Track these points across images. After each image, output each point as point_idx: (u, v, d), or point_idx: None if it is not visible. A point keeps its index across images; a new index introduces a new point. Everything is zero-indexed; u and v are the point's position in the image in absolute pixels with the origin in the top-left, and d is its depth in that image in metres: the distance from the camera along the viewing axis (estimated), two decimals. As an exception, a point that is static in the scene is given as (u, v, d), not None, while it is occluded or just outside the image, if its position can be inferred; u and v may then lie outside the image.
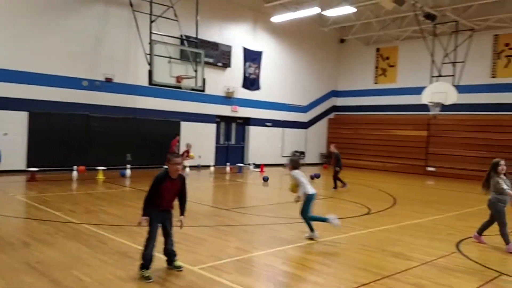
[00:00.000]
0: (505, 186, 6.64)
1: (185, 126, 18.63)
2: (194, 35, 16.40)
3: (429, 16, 18.62)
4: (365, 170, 22.34)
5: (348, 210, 10.12)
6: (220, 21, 19.97)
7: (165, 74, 14.75)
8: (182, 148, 16.42)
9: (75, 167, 13.66)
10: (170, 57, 15.04)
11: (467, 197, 13.65)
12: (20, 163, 14.31)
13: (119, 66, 16.59)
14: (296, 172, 7.10)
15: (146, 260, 4.87)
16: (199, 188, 13.72)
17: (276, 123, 22.99)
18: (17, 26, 14.15)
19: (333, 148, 14.51)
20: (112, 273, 4.96)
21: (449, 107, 18.71)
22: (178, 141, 16.61)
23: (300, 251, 6.42)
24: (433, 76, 19.69)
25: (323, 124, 26.08)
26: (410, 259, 6.13)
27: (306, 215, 6.99)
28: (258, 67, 21.80)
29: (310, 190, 7.01)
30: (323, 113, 26.01)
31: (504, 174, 6.79)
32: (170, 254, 5.19)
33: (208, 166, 18.76)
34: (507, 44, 19.92)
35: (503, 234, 6.79)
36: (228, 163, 19.55)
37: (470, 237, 7.57)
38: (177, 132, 17.78)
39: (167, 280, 4.85)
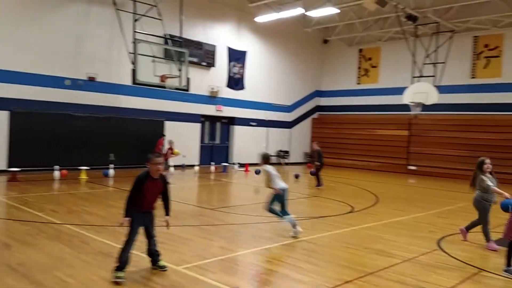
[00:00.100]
0: (490, 183, 6.73)
1: (169, 125, 18.53)
2: (178, 34, 16.34)
3: (411, 18, 18.91)
4: (348, 169, 22.56)
5: (332, 209, 10.22)
6: (204, 21, 19.92)
7: (149, 73, 14.65)
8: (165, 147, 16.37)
9: (56, 167, 13.48)
10: (154, 56, 14.94)
11: (447, 195, 13.90)
12: (1, 163, 14.04)
13: (102, 65, 16.42)
14: (267, 167, 7.26)
15: (122, 262, 4.76)
16: (184, 188, 13.67)
17: (260, 123, 23.04)
18: (-4, 23, 13.91)
19: (315, 146, 14.83)
20: (96, 274, 4.92)
21: (430, 107, 19.03)
22: (163, 143, 16.54)
23: (285, 249, 6.47)
24: (414, 77, 20.00)
25: (307, 123, 26.24)
26: (393, 256, 6.23)
27: (268, 207, 7.22)
28: (243, 66, 21.81)
29: (281, 184, 7.16)
30: (307, 113, 26.17)
31: (490, 173, 6.89)
32: (153, 255, 5.16)
33: (193, 166, 18.70)
34: (486, 46, 20.35)
35: (485, 231, 6.93)
36: (212, 163, 19.51)
37: (451, 234, 7.73)
38: (163, 133, 17.67)
39: (151, 280, 4.83)
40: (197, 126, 20.19)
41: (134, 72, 14.32)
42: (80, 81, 15.85)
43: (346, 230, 7.93)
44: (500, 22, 19.59)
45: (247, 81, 22.07)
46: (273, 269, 5.52)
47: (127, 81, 15.34)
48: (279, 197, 7.17)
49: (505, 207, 6.21)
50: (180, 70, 15.53)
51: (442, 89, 19.17)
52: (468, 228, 7.30)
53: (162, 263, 5.18)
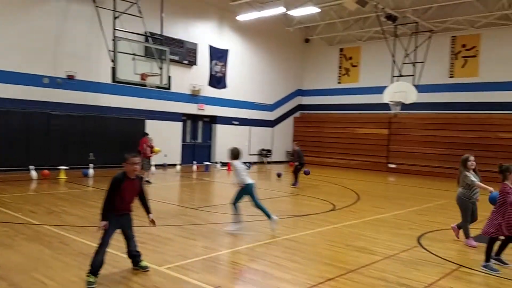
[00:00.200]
0: (473, 179, 6.83)
1: (150, 124, 18.32)
2: (159, 32, 16.18)
3: (390, 17, 19.17)
4: (330, 167, 22.74)
5: (314, 207, 10.29)
6: (186, 18, 19.78)
7: (129, 71, 14.47)
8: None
9: (31, 166, 13.19)
10: (134, 54, 14.77)
11: (427, 193, 14.12)
12: (-25, 163, 13.71)
13: (81, 63, 16.14)
14: (236, 162, 7.42)
15: (95, 267, 4.62)
16: (166, 187, 13.57)
17: (242, 122, 23.02)
18: (-29, 20, 13.53)
19: (295, 146, 15.14)
20: (76, 275, 4.83)
21: (409, 106, 19.30)
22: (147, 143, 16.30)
23: (267, 248, 6.47)
24: (394, 76, 20.26)
25: (289, 122, 26.33)
26: (374, 253, 6.31)
27: (233, 202, 7.39)
28: (225, 65, 21.74)
29: (248, 180, 7.36)
30: (289, 112, 26.26)
31: (474, 170, 6.99)
32: (134, 256, 5.10)
33: (175, 165, 18.56)
34: (464, 45, 20.75)
35: (464, 227, 7.06)
36: (194, 162, 19.41)
37: (431, 231, 7.87)
38: (145, 132, 17.41)
39: (132, 280, 4.78)
40: (178, 125, 20.05)
41: (114, 70, 14.13)
42: (59, 79, 15.56)
43: (327, 228, 7.99)
44: (477, 22, 20.01)
45: (229, 79, 22.01)
46: (256, 268, 5.52)
47: (107, 79, 15.11)
48: (243, 191, 7.35)
49: (493, 200, 6.28)
50: (161, 68, 15.39)
51: (421, 88, 19.48)
52: (460, 226, 7.37)
53: (144, 263, 5.12)
